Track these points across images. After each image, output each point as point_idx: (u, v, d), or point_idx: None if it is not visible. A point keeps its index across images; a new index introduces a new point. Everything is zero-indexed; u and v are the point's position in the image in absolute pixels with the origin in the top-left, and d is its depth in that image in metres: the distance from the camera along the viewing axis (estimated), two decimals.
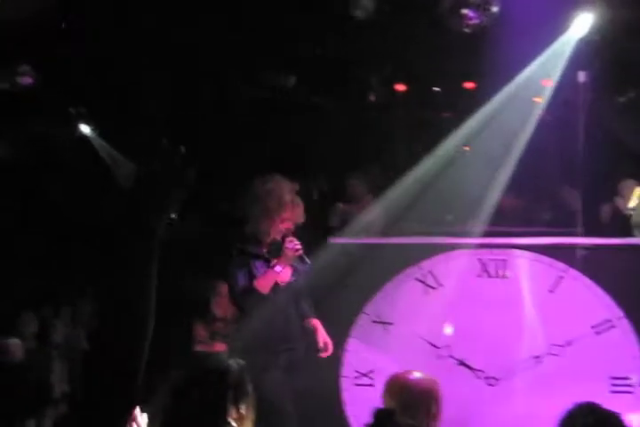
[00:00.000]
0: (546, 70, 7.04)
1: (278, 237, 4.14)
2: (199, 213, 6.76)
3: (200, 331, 5.24)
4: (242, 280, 4.04)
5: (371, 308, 4.90)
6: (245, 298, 4.07)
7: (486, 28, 5.73)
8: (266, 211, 4.01)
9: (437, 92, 7.30)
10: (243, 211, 4.14)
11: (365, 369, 4.79)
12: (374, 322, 4.88)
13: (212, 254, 5.39)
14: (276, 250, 4.14)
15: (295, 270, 4.21)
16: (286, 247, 4.02)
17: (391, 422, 2.25)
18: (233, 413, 2.12)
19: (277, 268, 4.06)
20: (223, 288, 5.22)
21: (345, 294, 4.98)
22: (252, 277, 4.07)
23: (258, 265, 4.09)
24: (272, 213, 4.02)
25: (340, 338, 4.89)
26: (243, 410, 2.17)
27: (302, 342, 4.26)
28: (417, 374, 2.69)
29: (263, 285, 4.04)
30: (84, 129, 7.08)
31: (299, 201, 4.12)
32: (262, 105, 6.77)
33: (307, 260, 4.12)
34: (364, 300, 4.91)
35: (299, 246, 4.06)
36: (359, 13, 5.65)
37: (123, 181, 6.42)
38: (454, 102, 7.31)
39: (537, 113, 7.78)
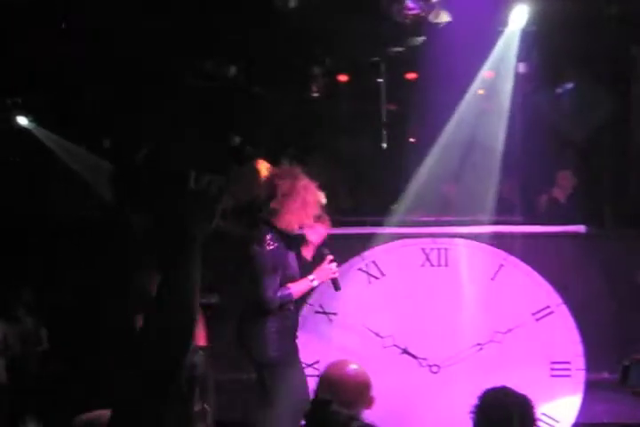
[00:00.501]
0: (487, 62, 7.12)
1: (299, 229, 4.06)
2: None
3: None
4: (271, 287, 3.83)
5: (314, 298, 4.90)
6: (278, 305, 3.88)
7: (426, 19, 5.76)
8: (303, 203, 3.87)
9: (379, 82, 7.32)
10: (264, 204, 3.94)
11: (311, 360, 4.78)
12: (317, 313, 4.88)
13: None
14: (298, 242, 4.08)
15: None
16: (325, 267, 3.99)
17: (328, 412, 2.25)
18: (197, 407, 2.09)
19: (315, 282, 4.00)
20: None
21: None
22: (283, 269, 3.91)
23: (289, 258, 3.97)
24: (310, 208, 3.91)
25: None
26: (206, 405, 2.12)
27: None
28: (350, 366, 2.67)
29: (297, 294, 3.96)
30: (22, 120, 6.89)
31: (317, 193, 4.00)
32: (203, 95, 6.70)
33: (339, 285, 4.09)
34: (308, 291, 4.90)
35: (335, 269, 4.03)
36: (290, 4, 5.65)
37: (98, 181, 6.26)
38: (397, 93, 7.34)
39: (479, 104, 7.89)
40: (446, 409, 4.66)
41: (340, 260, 4.89)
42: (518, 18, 6.10)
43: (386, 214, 5.39)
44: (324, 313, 4.90)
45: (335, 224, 5.89)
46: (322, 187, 6.83)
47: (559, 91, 7.44)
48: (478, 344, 4.82)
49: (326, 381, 2.62)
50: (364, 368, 2.74)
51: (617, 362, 4.91)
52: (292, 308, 4.04)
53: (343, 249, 4.96)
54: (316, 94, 7.08)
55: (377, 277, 4.92)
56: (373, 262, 4.91)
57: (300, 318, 4.89)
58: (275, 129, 6.93)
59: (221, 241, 5.62)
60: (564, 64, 6.52)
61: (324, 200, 4.03)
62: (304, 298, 4.88)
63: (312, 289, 4.19)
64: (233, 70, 6.40)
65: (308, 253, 4.10)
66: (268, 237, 3.84)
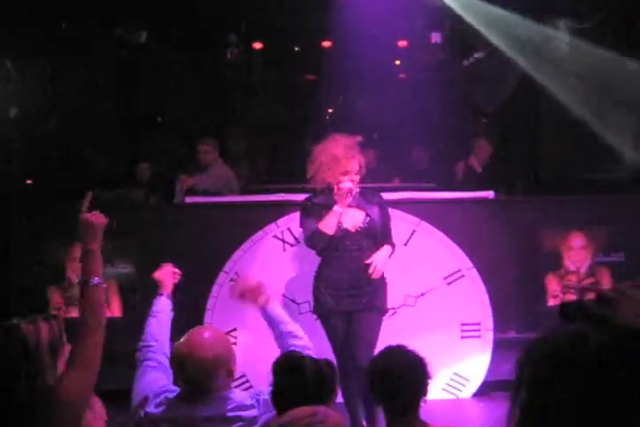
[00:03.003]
0: (401, 31, 7.18)
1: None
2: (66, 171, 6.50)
3: (55, 297, 5.07)
4: (310, 226, 4.21)
5: (229, 266, 4.90)
6: (313, 240, 4.22)
7: None
8: (319, 165, 4.18)
9: (296, 50, 7.29)
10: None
11: (227, 328, 4.79)
12: (233, 280, 4.89)
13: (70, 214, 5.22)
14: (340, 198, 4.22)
15: (368, 215, 4.23)
16: (338, 188, 4.14)
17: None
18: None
19: (335, 207, 4.16)
20: (77, 251, 5.05)
21: (204, 253, 4.96)
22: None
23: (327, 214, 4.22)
24: (325, 167, 4.17)
25: (200, 298, 4.89)
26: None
27: (370, 291, 4.20)
28: (205, 335, 2.63)
29: (325, 225, 4.16)
30: None
31: (354, 153, 4.18)
32: (115, 62, 6.55)
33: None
34: (224, 259, 4.90)
35: (349, 186, 4.13)
36: None
37: None
38: (313, 61, 7.33)
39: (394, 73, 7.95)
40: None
41: (256, 227, 4.91)
42: None
43: (301, 182, 5.41)
44: None
45: (250, 192, 5.92)
46: (239, 155, 6.81)
47: (471, 60, 7.57)
48: (392, 308, 4.91)
49: (178, 348, 2.56)
50: (224, 337, 2.69)
51: (523, 322, 5.10)
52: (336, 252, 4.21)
53: (258, 216, 4.97)
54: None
55: (292, 245, 4.95)
56: (288, 229, 4.94)
57: (216, 286, 4.91)
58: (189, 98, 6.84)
59: (133, 210, 5.59)
60: (475, 34, 6.61)
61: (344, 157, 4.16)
62: (220, 266, 4.89)
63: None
64: (144, 36, 6.26)
65: (342, 204, 4.20)
66: (306, 197, 4.33)
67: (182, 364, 2.53)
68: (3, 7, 5.76)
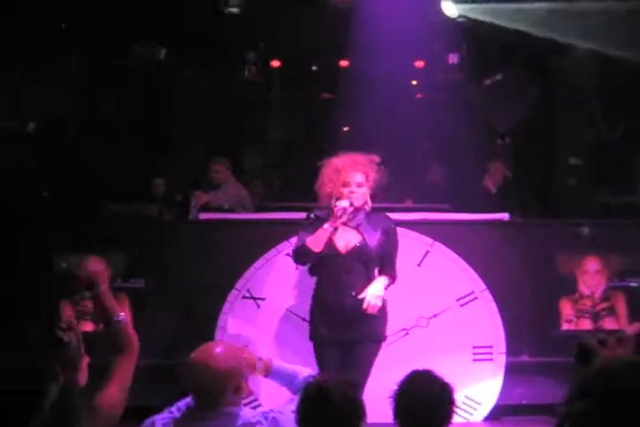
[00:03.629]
0: (418, 51, 7.20)
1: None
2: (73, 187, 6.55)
3: (67, 311, 5.07)
4: (301, 239, 4.08)
5: (241, 284, 4.89)
6: (298, 254, 4.09)
7: (358, 5, 5.78)
8: (322, 178, 4.10)
9: (313, 69, 7.33)
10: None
11: (239, 345, 4.77)
12: (245, 298, 4.88)
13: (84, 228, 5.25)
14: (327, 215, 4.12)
15: (363, 239, 4.07)
16: (334, 206, 4.02)
17: None
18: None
19: (326, 225, 4.01)
20: (93, 265, 5.06)
21: (216, 269, 4.96)
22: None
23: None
24: (327, 178, 4.09)
25: (212, 315, 4.88)
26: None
27: (364, 319, 4.01)
28: (216, 350, 2.59)
29: (312, 242, 4.01)
30: None
31: (357, 166, 4.05)
32: (135, 77, 6.61)
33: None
34: (236, 276, 4.90)
35: (343, 205, 3.99)
36: None
37: None
38: (330, 80, 7.37)
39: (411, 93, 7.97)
40: (372, 394, 4.72)
41: (269, 245, 4.90)
42: (450, 8, 6.19)
43: (315, 200, 5.41)
44: (252, 298, 4.89)
45: (264, 209, 5.92)
46: (254, 172, 6.82)
47: (488, 82, 7.58)
48: (404, 329, 4.88)
49: (190, 361, 2.58)
50: (237, 353, 2.67)
51: (535, 346, 5.06)
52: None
53: (272, 234, 4.96)
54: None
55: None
56: None
57: (228, 304, 4.90)
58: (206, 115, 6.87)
59: (147, 225, 5.61)
60: (494, 55, 6.63)
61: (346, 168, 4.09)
62: (232, 283, 4.88)
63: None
64: (163, 53, 6.32)
65: (334, 222, 4.06)
66: (307, 215, 4.19)
67: (195, 374, 2.54)
68: (21, 23, 5.84)
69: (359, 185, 4.06)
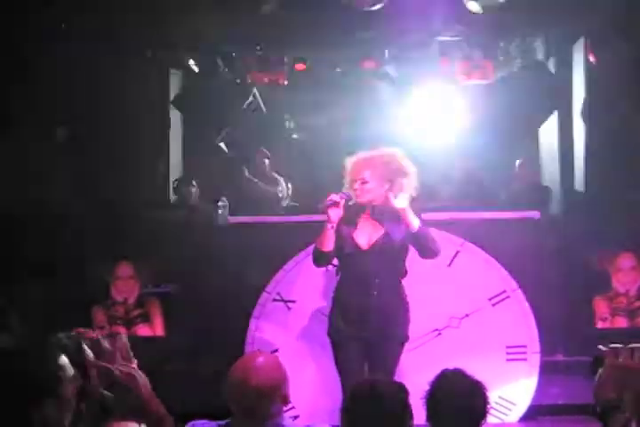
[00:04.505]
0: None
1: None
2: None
3: (99, 315, 5.12)
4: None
5: (271, 286, 4.89)
6: (313, 256, 4.11)
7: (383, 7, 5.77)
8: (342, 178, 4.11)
9: (338, 71, 7.33)
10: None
11: (270, 349, 4.77)
12: (275, 300, 4.88)
13: (111, 236, 5.30)
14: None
15: (387, 232, 4.04)
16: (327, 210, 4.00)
17: None
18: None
19: (328, 225, 4.00)
20: (122, 270, 5.11)
21: (247, 273, 4.97)
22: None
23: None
24: (344, 178, 4.10)
25: (243, 319, 4.88)
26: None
27: (382, 317, 4.00)
28: (260, 359, 2.56)
29: (320, 242, 4.02)
30: None
31: (366, 163, 4.05)
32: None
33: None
34: (266, 279, 4.90)
35: (332, 198, 3.98)
36: None
37: None
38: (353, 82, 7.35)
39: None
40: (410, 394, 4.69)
41: (298, 247, 4.90)
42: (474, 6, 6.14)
43: None
44: (283, 301, 4.89)
45: (293, 212, 5.93)
46: (282, 174, 6.82)
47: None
48: (436, 330, 4.85)
49: (233, 375, 2.54)
50: (278, 362, 2.63)
51: (570, 345, 4.99)
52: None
53: (301, 236, 4.95)
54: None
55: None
56: None
57: (258, 307, 4.90)
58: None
59: (179, 229, 5.64)
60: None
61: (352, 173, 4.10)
62: (262, 286, 4.88)
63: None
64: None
65: (330, 220, 4.03)
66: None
67: (238, 391, 2.48)
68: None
69: (364, 182, 4.04)
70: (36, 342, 2.02)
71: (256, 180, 6.81)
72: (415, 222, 4.00)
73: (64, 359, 1.83)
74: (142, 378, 2.10)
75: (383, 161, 4.08)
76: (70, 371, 1.82)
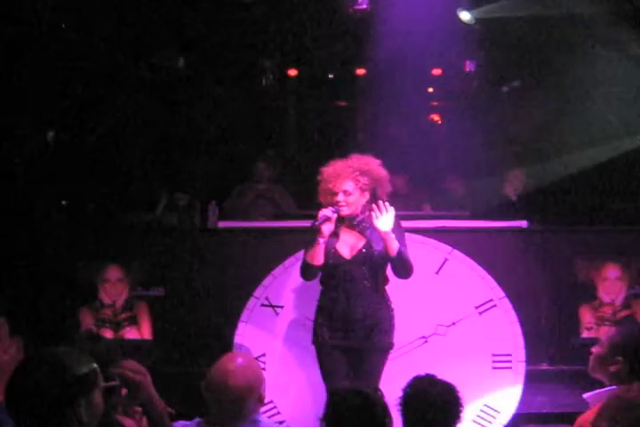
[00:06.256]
0: (435, 59, 7.20)
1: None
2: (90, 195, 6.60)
3: (87, 318, 5.11)
4: (305, 254, 4.10)
5: (260, 291, 4.90)
6: (302, 270, 4.12)
7: (374, 14, 5.80)
8: (319, 188, 4.10)
9: (330, 78, 7.36)
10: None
11: (256, 353, 4.79)
12: (263, 306, 4.89)
13: (104, 236, 5.29)
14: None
15: (368, 242, 4.04)
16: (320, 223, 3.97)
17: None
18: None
19: (320, 240, 3.99)
20: (111, 273, 5.11)
21: (235, 277, 4.98)
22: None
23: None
24: (320, 188, 4.09)
25: (231, 323, 4.89)
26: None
27: (367, 326, 4.04)
28: (238, 361, 2.63)
29: (310, 256, 4.02)
30: None
31: (344, 173, 4.01)
32: (152, 86, 6.66)
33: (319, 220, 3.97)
34: (255, 284, 4.91)
35: (324, 213, 3.96)
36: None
37: None
38: (346, 88, 7.38)
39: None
40: (390, 403, 4.70)
41: (288, 253, 4.91)
42: (466, 15, 6.19)
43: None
44: (271, 306, 4.90)
45: (282, 217, 5.94)
46: (271, 181, 6.83)
47: (505, 89, 7.56)
48: (422, 337, 4.87)
49: (212, 376, 2.59)
50: (255, 363, 2.71)
51: (555, 354, 5.02)
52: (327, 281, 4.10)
53: (290, 242, 4.97)
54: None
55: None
56: None
57: (246, 311, 4.91)
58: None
59: (166, 234, 5.64)
60: (511, 62, 6.61)
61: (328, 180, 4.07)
62: (251, 291, 4.89)
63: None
64: (181, 62, 6.37)
65: (322, 234, 4.05)
66: (311, 224, 4.06)
67: (216, 392, 2.55)
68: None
69: (347, 193, 4.02)
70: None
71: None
72: (394, 247, 4.02)
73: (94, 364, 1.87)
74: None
75: (363, 170, 4.06)
76: (100, 376, 1.86)
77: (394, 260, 4.05)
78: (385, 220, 3.95)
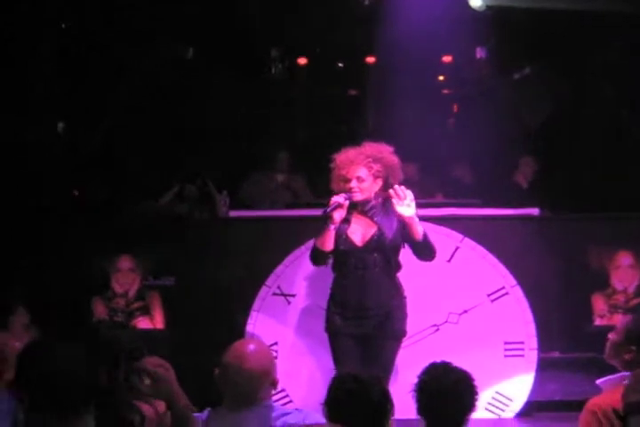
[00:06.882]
0: (446, 46, 7.16)
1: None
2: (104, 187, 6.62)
3: (99, 307, 5.13)
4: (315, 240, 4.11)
5: (271, 280, 4.91)
6: (311, 255, 4.13)
7: (384, 1, 5.77)
8: (331, 175, 4.11)
9: (340, 66, 7.33)
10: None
11: (269, 342, 4.80)
12: (275, 294, 4.90)
13: (115, 226, 5.31)
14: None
15: (379, 229, 4.03)
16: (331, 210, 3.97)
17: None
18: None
19: (330, 226, 3.99)
20: (123, 262, 5.13)
21: (247, 266, 4.99)
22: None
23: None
24: (333, 175, 4.10)
25: (242, 312, 4.90)
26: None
27: (380, 314, 4.02)
28: (250, 346, 2.65)
29: (320, 242, 4.02)
30: None
31: (357, 160, 4.01)
32: (161, 77, 6.66)
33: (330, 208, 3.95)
34: (266, 273, 4.92)
35: (336, 199, 3.96)
36: None
37: None
38: (357, 77, 7.36)
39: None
40: (402, 390, 4.71)
41: (299, 242, 4.92)
42: (476, 3, 6.14)
43: None
44: (283, 295, 4.92)
45: (294, 206, 5.94)
46: (281, 170, 6.83)
47: (517, 76, 7.51)
48: (434, 325, 4.88)
49: (227, 359, 2.61)
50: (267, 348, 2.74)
51: (568, 342, 5.01)
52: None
53: (302, 231, 4.97)
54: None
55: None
56: None
57: (258, 300, 4.92)
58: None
59: (177, 223, 5.65)
60: (522, 49, 6.56)
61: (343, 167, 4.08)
62: (263, 280, 4.90)
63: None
64: (190, 52, 6.36)
65: (333, 220, 4.03)
66: (323, 211, 4.05)
67: (230, 377, 2.57)
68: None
69: (360, 180, 4.02)
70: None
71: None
72: (420, 230, 4.01)
73: None
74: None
75: (376, 158, 4.07)
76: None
77: (419, 243, 4.02)
78: (407, 204, 3.94)
